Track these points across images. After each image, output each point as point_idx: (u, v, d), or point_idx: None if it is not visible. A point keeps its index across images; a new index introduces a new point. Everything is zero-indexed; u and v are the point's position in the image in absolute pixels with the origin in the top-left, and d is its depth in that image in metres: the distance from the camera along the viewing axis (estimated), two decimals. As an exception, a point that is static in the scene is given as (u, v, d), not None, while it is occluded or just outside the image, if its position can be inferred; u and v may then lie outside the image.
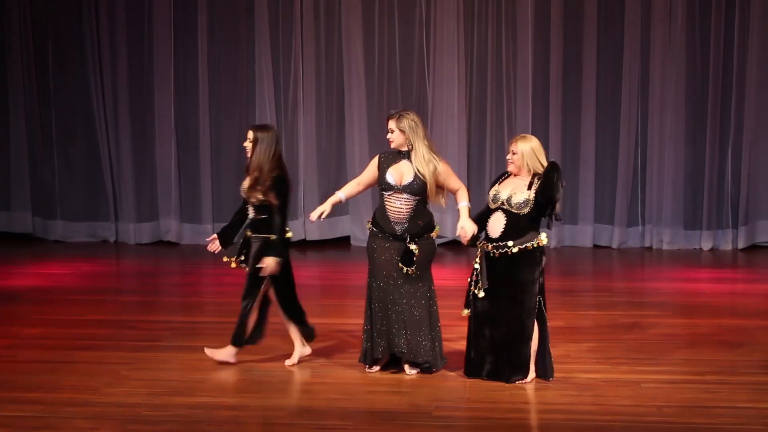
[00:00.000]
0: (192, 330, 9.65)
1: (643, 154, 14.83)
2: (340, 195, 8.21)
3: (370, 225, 8.12)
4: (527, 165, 7.74)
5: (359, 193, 8.40)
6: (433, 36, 14.92)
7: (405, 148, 7.97)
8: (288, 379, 8.08)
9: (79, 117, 15.51)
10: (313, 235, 15.16)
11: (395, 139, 7.99)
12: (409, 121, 8.01)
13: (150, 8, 15.21)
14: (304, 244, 14.94)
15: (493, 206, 7.81)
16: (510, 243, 7.65)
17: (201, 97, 15.23)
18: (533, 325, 7.77)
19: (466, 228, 7.79)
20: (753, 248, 14.69)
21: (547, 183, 7.63)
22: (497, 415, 6.77)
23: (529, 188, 7.68)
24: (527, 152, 7.73)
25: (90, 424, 6.97)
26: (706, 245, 14.71)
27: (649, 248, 14.83)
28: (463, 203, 7.96)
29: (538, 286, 7.75)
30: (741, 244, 14.64)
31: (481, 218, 7.91)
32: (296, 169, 15.05)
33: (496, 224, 7.73)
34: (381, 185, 8.00)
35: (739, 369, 8.34)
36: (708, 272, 13.30)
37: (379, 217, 8.03)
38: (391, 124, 8.02)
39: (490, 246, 7.75)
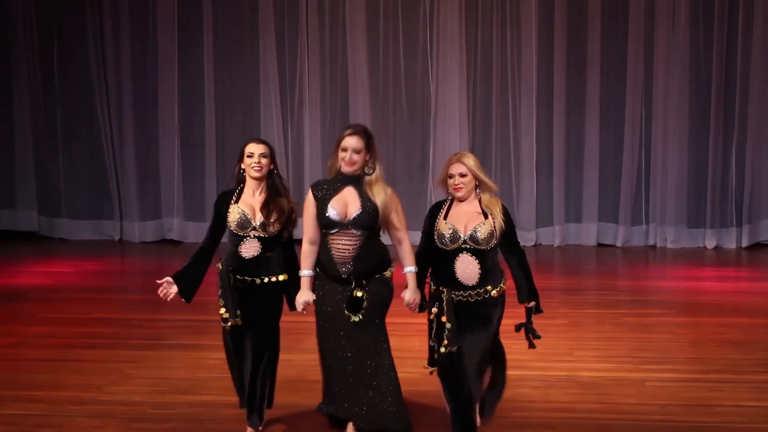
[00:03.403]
0: (196, 329, 9.64)
1: (647, 153, 14.83)
2: (308, 272, 6.46)
3: (316, 267, 6.56)
4: (476, 186, 6.52)
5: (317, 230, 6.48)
6: (437, 34, 14.92)
7: (357, 172, 6.46)
8: (291, 377, 8.08)
9: (83, 116, 15.53)
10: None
11: (359, 161, 6.45)
12: (372, 138, 6.61)
13: (154, 7, 15.22)
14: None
15: (450, 246, 6.36)
16: (489, 287, 6.36)
17: (206, 95, 15.24)
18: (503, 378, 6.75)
19: (417, 299, 6.46)
20: (756, 246, 14.68)
21: (512, 230, 6.47)
22: (501, 413, 6.77)
23: (485, 216, 6.37)
24: (478, 169, 6.54)
25: (94, 423, 6.99)
26: (710, 244, 14.70)
27: (653, 247, 14.82)
28: (409, 268, 6.48)
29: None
30: (744, 243, 14.64)
31: (423, 261, 6.54)
32: (302, 167, 15.09)
33: (469, 269, 6.33)
34: (322, 223, 6.37)
35: (743, 367, 8.33)
36: (712, 270, 13.29)
37: (323, 256, 6.45)
38: (356, 142, 6.46)
39: (462, 294, 6.36)
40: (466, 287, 6.33)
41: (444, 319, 6.31)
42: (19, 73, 15.53)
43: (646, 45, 14.61)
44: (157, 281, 6.65)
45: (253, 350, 6.57)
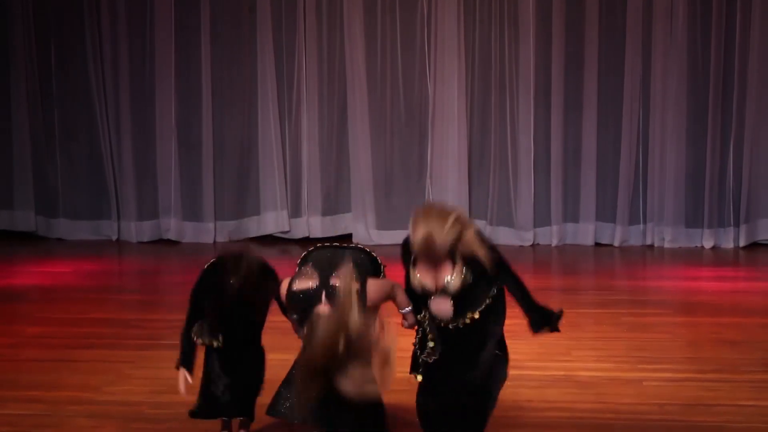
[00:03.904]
0: (194, 328, 9.64)
1: (645, 152, 14.83)
2: None
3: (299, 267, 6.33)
4: None
5: None
6: (435, 34, 14.92)
7: None
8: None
9: (81, 115, 15.52)
10: (316, 233, 15.16)
11: None
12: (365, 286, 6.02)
13: (152, 7, 15.20)
14: (307, 241, 14.96)
15: (423, 296, 6.06)
16: (469, 314, 5.97)
17: (203, 95, 15.23)
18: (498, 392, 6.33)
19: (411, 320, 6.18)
20: (754, 246, 14.68)
21: (495, 260, 6.06)
22: (498, 412, 6.76)
23: (454, 262, 5.92)
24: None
25: (92, 423, 6.99)
26: (708, 243, 14.70)
27: (651, 246, 14.82)
28: (406, 309, 6.19)
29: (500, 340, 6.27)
30: (742, 242, 14.64)
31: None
32: (300, 167, 15.11)
33: (442, 308, 5.98)
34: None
35: (741, 367, 8.35)
36: (709, 270, 13.30)
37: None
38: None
39: (441, 322, 6.04)
40: (442, 320, 5.99)
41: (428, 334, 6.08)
42: (16, 73, 15.50)
43: (644, 44, 14.61)
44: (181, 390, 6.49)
45: (237, 364, 6.44)
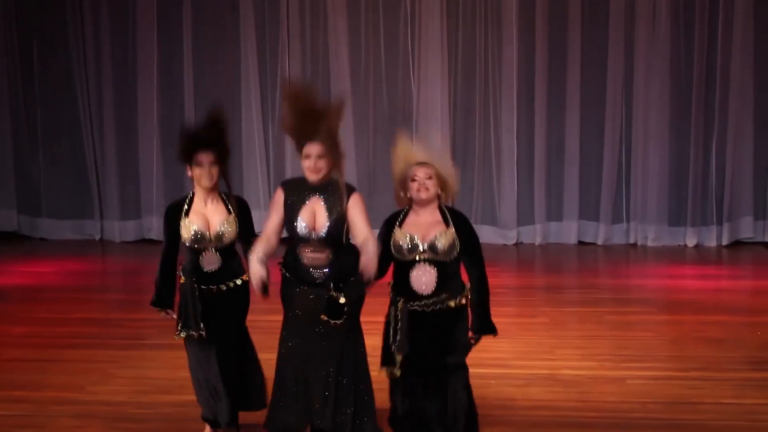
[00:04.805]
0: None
1: (628, 151, 14.86)
2: (261, 254, 5.86)
3: (281, 268, 6.24)
4: (440, 189, 6.06)
5: (277, 244, 6.18)
6: (418, 34, 14.93)
7: (324, 180, 6.11)
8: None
9: (63, 115, 15.48)
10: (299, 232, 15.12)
11: (324, 167, 6.08)
12: (336, 141, 6.14)
13: (134, 6, 15.16)
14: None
15: (407, 257, 5.98)
16: (444, 296, 5.96)
17: (186, 94, 15.21)
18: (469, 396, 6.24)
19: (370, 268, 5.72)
20: (736, 244, 14.73)
21: (476, 244, 6.08)
22: (482, 411, 6.78)
23: (447, 224, 5.97)
24: (450, 172, 6.09)
25: (76, 423, 6.99)
26: (691, 242, 14.74)
27: (634, 245, 14.85)
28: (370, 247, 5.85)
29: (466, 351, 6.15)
30: (725, 241, 14.68)
31: (381, 267, 5.97)
32: (283, 168, 15.07)
33: (425, 279, 5.94)
34: (290, 229, 6.14)
35: (724, 365, 8.38)
36: (692, 269, 13.34)
37: (293, 261, 6.18)
38: (318, 149, 6.05)
39: (418, 304, 5.97)
40: (420, 297, 5.94)
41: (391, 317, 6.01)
42: (-2, 73, 15.49)
43: (627, 43, 14.63)
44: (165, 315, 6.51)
45: (219, 359, 6.35)
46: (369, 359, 6.25)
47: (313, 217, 6.06)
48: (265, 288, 5.69)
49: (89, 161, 15.43)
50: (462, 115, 15.08)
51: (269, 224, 6.17)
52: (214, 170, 6.37)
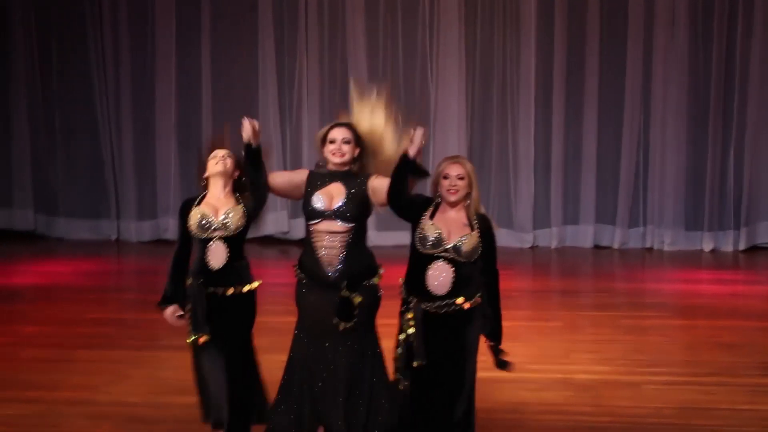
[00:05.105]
0: (192, 329, 9.64)
1: (645, 155, 14.84)
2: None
3: (297, 271, 6.22)
4: (468, 194, 5.99)
5: (281, 186, 6.35)
6: (436, 36, 14.95)
7: (346, 167, 6.18)
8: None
9: (81, 114, 15.54)
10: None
11: (348, 152, 6.19)
12: (358, 134, 6.31)
13: (153, 6, 15.24)
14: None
15: (430, 251, 5.89)
16: (460, 300, 5.86)
17: (203, 94, 15.26)
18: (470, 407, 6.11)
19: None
20: (754, 249, 14.69)
21: (493, 252, 6.00)
22: (496, 415, 6.79)
23: (472, 228, 5.91)
24: (474, 176, 6.01)
25: (90, 423, 6.99)
26: (707, 246, 14.70)
27: (650, 249, 14.83)
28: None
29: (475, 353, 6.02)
30: (742, 246, 14.65)
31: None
32: (300, 167, 15.06)
33: (441, 277, 5.85)
34: (306, 210, 6.15)
35: (738, 371, 8.34)
36: (708, 273, 13.30)
37: (307, 259, 6.13)
38: (344, 133, 6.25)
39: (431, 305, 5.87)
40: (434, 297, 5.85)
41: (407, 324, 5.89)
42: (17, 72, 15.53)
43: (645, 48, 14.62)
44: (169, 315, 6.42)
45: (227, 367, 6.26)
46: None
47: (331, 195, 6.08)
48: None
49: (106, 161, 15.49)
50: (479, 118, 15.08)
51: (278, 176, 6.37)
52: (229, 161, 6.32)
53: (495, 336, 6.00)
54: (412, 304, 5.90)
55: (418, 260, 5.93)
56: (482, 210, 6.02)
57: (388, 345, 6.12)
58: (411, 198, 5.98)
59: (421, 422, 5.97)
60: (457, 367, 5.90)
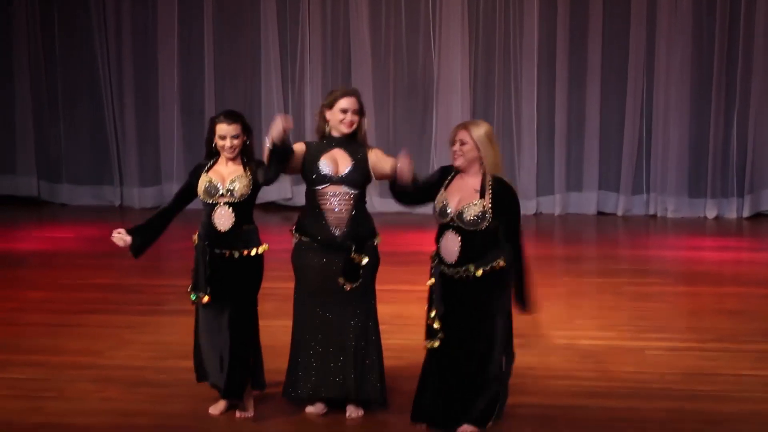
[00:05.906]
0: (196, 294, 9.65)
1: (648, 122, 14.82)
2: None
3: (295, 234, 6.34)
4: (479, 159, 5.98)
5: (291, 169, 6.39)
6: (439, 6, 14.90)
7: (347, 132, 6.31)
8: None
9: (84, 81, 15.53)
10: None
11: (356, 121, 6.35)
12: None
13: (155, -27, 15.22)
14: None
15: (440, 220, 6.03)
16: (471, 267, 5.93)
17: (206, 63, 15.24)
18: (502, 367, 6.23)
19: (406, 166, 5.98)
20: (758, 216, 14.69)
21: (513, 218, 6.12)
22: (500, 380, 6.78)
23: (482, 195, 5.94)
24: (482, 141, 5.97)
25: (95, 387, 7.01)
26: (711, 213, 14.70)
27: (654, 216, 14.82)
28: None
29: (507, 314, 6.15)
30: (746, 213, 14.64)
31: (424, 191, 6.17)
32: (302, 136, 15.04)
33: (449, 246, 5.96)
34: (310, 177, 6.25)
35: (741, 337, 8.35)
36: (712, 240, 13.30)
37: (310, 222, 6.26)
38: (354, 103, 6.32)
39: (448, 270, 6.00)
40: (445, 263, 6.00)
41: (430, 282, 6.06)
42: (19, 39, 15.50)
43: (649, 15, 14.58)
44: (114, 233, 6.54)
45: (230, 327, 6.31)
46: (384, 327, 6.40)
47: (336, 161, 6.24)
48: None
49: (109, 127, 15.48)
50: (482, 86, 15.06)
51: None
52: (236, 142, 6.34)
53: (520, 301, 6.11)
54: (434, 263, 6.04)
55: (438, 229, 6.08)
56: (500, 174, 6.04)
57: (392, 311, 6.16)
58: (420, 185, 6.12)
59: (449, 379, 6.06)
60: (481, 330, 6.01)
